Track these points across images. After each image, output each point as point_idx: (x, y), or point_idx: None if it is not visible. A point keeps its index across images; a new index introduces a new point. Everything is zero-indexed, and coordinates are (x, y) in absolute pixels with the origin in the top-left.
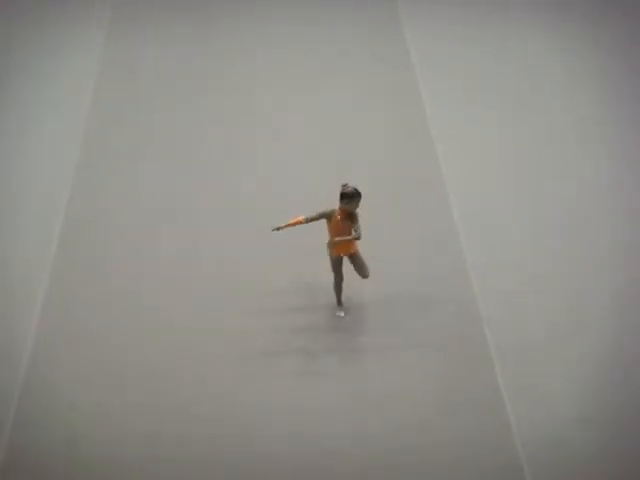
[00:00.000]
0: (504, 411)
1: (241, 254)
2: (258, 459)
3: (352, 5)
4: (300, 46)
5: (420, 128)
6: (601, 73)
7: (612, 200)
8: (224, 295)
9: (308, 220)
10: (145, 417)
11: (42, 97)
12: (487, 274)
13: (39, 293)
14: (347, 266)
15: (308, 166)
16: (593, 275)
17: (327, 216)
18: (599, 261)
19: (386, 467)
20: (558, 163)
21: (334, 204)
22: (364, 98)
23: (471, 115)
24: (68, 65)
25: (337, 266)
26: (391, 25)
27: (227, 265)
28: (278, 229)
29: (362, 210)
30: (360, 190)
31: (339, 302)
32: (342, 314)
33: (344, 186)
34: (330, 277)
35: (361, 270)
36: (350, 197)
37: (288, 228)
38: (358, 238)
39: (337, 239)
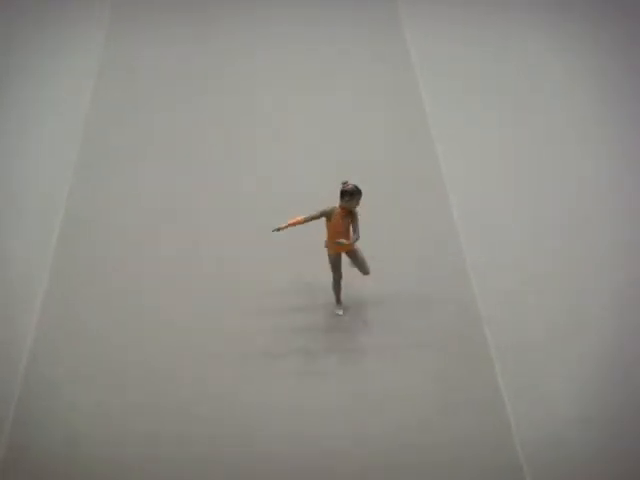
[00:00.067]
0: (504, 411)
1: (241, 254)
2: (258, 459)
3: (352, 5)
4: (300, 46)
5: (420, 128)
6: (601, 73)
7: (612, 200)
8: (224, 295)
9: (308, 219)
10: (145, 417)
11: (42, 97)
12: (487, 274)
13: (39, 292)
14: (346, 265)
15: (308, 166)
16: (593, 275)
17: (327, 214)
18: (599, 261)
19: (386, 467)
20: (558, 163)
21: (334, 203)
22: (364, 98)
23: (471, 115)
24: (68, 65)
25: (336, 264)
26: (391, 25)
27: (227, 265)
28: (278, 230)
29: (362, 210)
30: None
31: (338, 301)
32: (341, 312)
33: (344, 184)
34: (330, 277)
35: (361, 266)
36: (351, 195)
37: (288, 228)
38: (357, 239)
39: (339, 241)
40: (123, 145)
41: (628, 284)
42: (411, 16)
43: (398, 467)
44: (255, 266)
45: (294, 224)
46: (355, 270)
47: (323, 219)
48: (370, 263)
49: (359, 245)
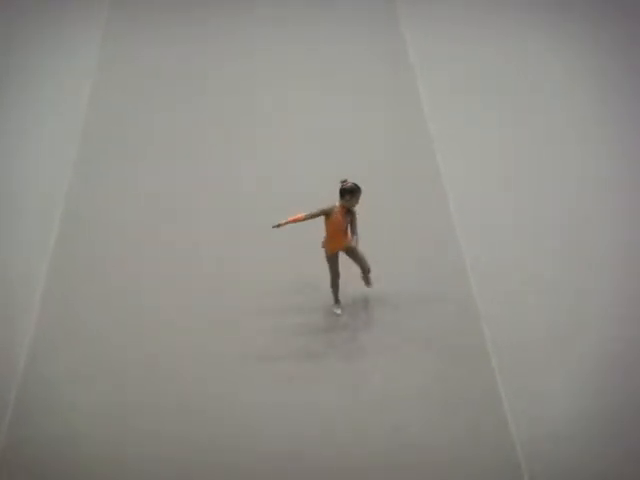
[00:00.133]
0: (502, 410)
1: (241, 254)
2: (258, 459)
3: (351, 5)
4: (300, 46)
5: (419, 128)
6: (601, 73)
7: (612, 200)
8: (224, 295)
9: (308, 217)
10: (145, 416)
11: (41, 97)
12: (486, 274)
13: (38, 291)
14: (344, 263)
15: (307, 166)
16: (593, 275)
17: (327, 213)
18: (599, 261)
19: (386, 467)
20: (558, 163)
21: (333, 202)
22: (363, 98)
23: (470, 115)
24: (67, 65)
25: (333, 262)
26: (390, 25)
27: (227, 265)
28: (278, 226)
29: (361, 209)
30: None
31: (336, 300)
32: (339, 312)
33: (343, 182)
34: (329, 277)
35: (361, 263)
36: (351, 193)
37: (288, 225)
38: (357, 239)
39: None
40: (123, 144)
41: (628, 284)
42: (410, 16)
43: (398, 467)
44: (255, 266)
45: (294, 221)
46: (355, 270)
47: (321, 218)
48: (369, 263)
49: (360, 245)
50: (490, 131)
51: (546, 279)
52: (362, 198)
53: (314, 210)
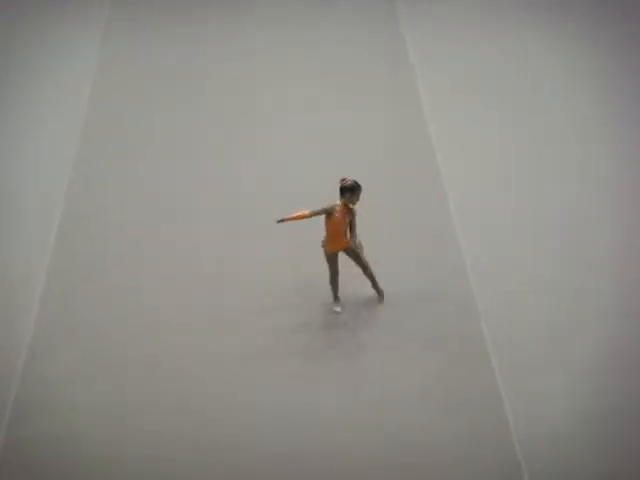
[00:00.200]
0: (502, 409)
1: (241, 254)
2: (258, 459)
3: (351, 5)
4: (299, 46)
5: (419, 128)
6: (601, 73)
7: (612, 200)
8: (224, 295)
9: (312, 214)
10: (144, 416)
11: (42, 96)
12: (486, 273)
13: (37, 290)
14: (344, 263)
15: (308, 166)
16: (593, 275)
17: (329, 211)
18: (599, 261)
19: (386, 467)
20: (558, 163)
21: (334, 202)
22: (363, 98)
23: (470, 115)
24: (67, 65)
25: (332, 262)
26: (390, 25)
27: (227, 265)
28: (282, 221)
29: (361, 209)
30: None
31: (336, 297)
32: (339, 309)
33: (343, 180)
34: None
35: (359, 262)
36: (351, 190)
37: (288, 225)
38: (357, 240)
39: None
40: (122, 144)
41: (628, 284)
42: (410, 16)
43: (398, 467)
44: (255, 266)
45: (298, 218)
46: (355, 270)
47: (322, 217)
48: (370, 262)
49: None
50: (490, 131)
51: (546, 279)
52: (362, 198)
53: (317, 208)
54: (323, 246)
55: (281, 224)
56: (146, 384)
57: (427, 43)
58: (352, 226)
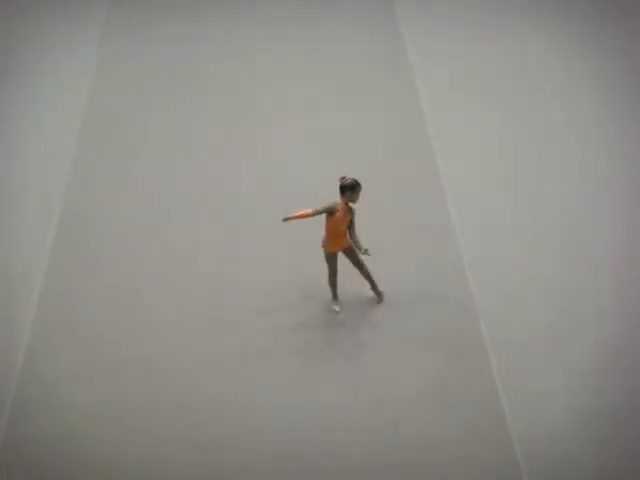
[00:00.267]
0: (502, 409)
1: (241, 254)
2: (258, 459)
3: (351, 5)
4: (300, 46)
5: (419, 128)
6: (601, 73)
7: (612, 200)
8: (224, 294)
9: (314, 213)
10: (143, 416)
11: (41, 95)
12: (486, 273)
13: (36, 290)
14: (344, 263)
15: (307, 166)
16: (593, 275)
17: (331, 210)
18: (599, 261)
19: (386, 467)
20: (558, 163)
21: (336, 200)
22: (363, 97)
23: (469, 114)
24: (66, 64)
25: (332, 262)
26: (388, 23)
27: (227, 265)
28: (287, 219)
29: (362, 210)
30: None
31: (334, 296)
32: (338, 308)
33: (342, 179)
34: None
35: (356, 261)
36: (352, 188)
37: (288, 225)
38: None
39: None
40: (120, 143)
41: (628, 284)
42: (409, 15)
43: (398, 467)
44: (255, 266)
45: (301, 216)
46: (354, 269)
47: (322, 217)
48: (369, 262)
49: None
50: (490, 131)
51: (546, 279)
52: (362, 198)
53: (319, 207)
54: (323, 246)
55: (281, 223)
56: (145, 384)
57: (427, 43)
58: (352, 225)
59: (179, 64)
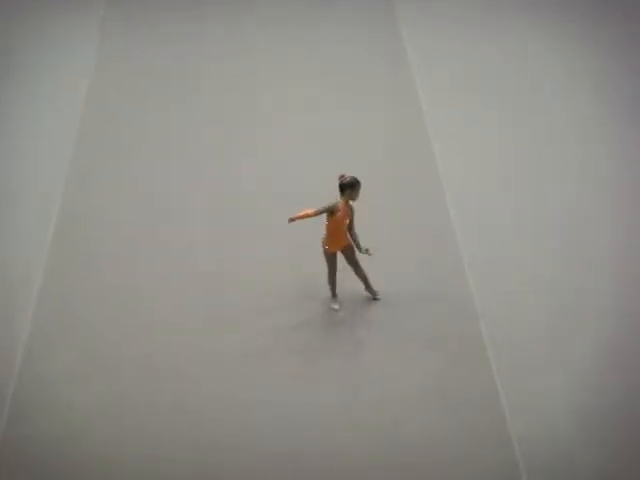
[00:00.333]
0: (501, 409)
1: (241, 253)
2: (258, 459)
3: (351, 5)
4: (300, 46)
5: (418, 127)
6: (601, 73)
7: (612, 200)
8: (224, 294)
9: (316, 213)
10: (142, 415)
11: (40, 94)
12: (486, 273)
13: (35, 289)
14: (342, 260)
15: (307, 165)
16: (592, 275)
17: (333, 210)
18: (599, 261)
19: (386, 467)
20: (558, 163)
21: (336, 199)
22: (363, 97)
23: (469, 114)
24: (65, 63)
25: (332, 261)
26: (388, 23)
27: (227, 264)
28: (292, 220)
29: (362, 209)
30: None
31: (334, 295)
32: (337, 307)
33: (342, 177)
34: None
35: (353, 260)
36: (351, 186)
37: (287, 224)
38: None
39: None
40: (120, 143)
41: (628, 284)
42: (409, 15)
43: (398, 467)
44: (255, 265)
45: (305, 217)
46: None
47: (320, 219)
48: (368, 261)
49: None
50: (489, 131)
51: (546, 279)
52: (362, 198)
53: (320, 207)
54: (324, 245)
55: (281, 223)
56: (145, 384)
57: (426, 43)
58: (351, 224)
59: (179, 64)
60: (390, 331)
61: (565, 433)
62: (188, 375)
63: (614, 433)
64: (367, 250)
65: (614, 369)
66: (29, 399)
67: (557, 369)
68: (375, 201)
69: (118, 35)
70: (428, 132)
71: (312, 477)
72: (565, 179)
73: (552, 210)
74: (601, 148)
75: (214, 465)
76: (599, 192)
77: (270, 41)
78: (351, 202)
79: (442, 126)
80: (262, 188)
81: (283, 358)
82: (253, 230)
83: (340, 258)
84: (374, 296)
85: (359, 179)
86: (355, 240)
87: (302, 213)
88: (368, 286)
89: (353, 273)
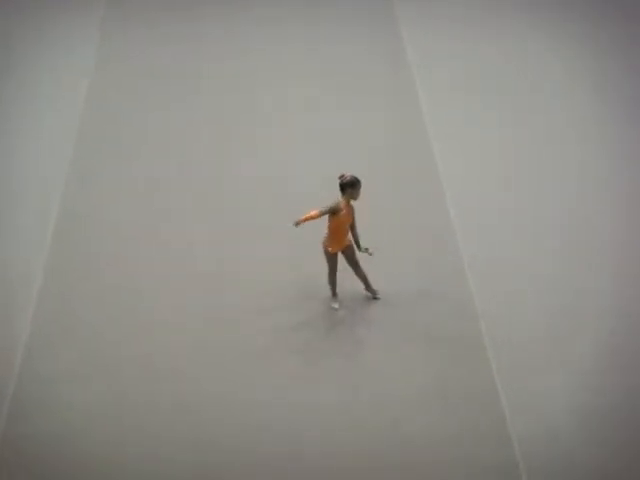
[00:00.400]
0: (501, 408)
1: (241, 253)
2: (258, 459)
3: (351, 5)
4: (300, 46)
5: (418, 127)
6: (601, 73)
7: (612, 200)
8: (224, 294)
9: (319, 214)
10: (142, 415)
11: (39, 94)
12: (486, 273)
13: (35, 289)
14: (342, 260)
15: (307, 166)
16: (592, 275)
17: (335, 210)
18: (598, 261)
19: (386, 466)
20: (558, 163)
21: (337, 199)
22: (363, 97)
23: (469, 114)
24: (65, 62)
25: (333, 261)
26: (387, 23)
27: (227, 264)
28: (297, 224)
29: (362, 209)
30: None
31: (334, 294)
32: (337, 306)
33: (342, 177)
34: (327, 272)
35: (353, 260)
36: (352, 185)
37: (287, 224)
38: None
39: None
40: (120, 142)
41: (628, 284)
42: (409, 15)
43: (398, 467)
44: (255, 265)
45: (309, 219)
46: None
47: (320, 219)
48: (368, 261)
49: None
50: (489, 131)
51: (546, 279)
52: (362, 198)
53: (323, 208)
54: (325, 245)
55: (281, 223)
56: (145, 384)
57: (426, 43)
58: (353, 223)
59: (179, 64)
60: (390, 331)
61: (565, 433)
62: (188, 375)
63: (614, 433)
64: (367, 249)
65: (614, 369)
66: (29, 399)
67: (557, 369)
68: (375, 201)
69: (118, 35)
70: (428, 132)
71: (312, 477)
72: (565, 179)
73: (552, 210)
74: (601, 148)
75: (214, 465)
76: (599, 192)
77: (270, 41)
78: (352, 201)
79: (442, 126)
80: (262, 188)
81: (283, 358)
82: (253, 230)
83: (340, 258)
84: (374, 295)
85: (359, 178)
86: (356, 239)
87: (307, 216)
88: (368, 286)
89: (353, 273)
